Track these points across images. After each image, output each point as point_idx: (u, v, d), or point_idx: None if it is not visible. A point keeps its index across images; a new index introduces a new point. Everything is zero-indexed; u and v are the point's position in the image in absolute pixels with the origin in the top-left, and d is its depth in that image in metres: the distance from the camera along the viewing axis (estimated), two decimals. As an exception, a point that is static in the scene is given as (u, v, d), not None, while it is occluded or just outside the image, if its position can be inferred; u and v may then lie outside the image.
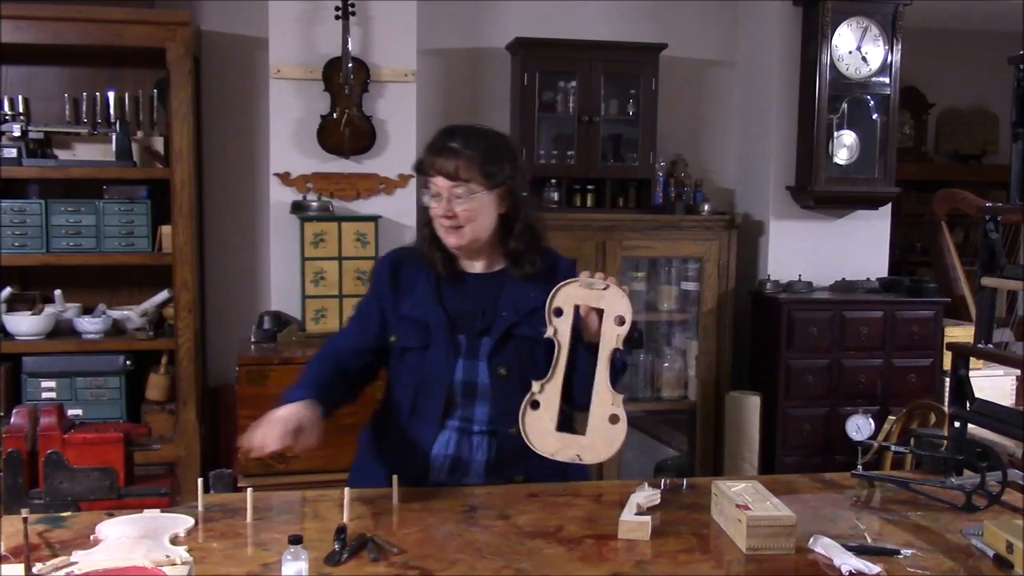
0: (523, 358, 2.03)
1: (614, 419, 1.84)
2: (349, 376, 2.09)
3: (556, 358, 1.86)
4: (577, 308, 1.86)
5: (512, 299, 2.06)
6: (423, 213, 2.11)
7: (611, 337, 1.84)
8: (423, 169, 2.03)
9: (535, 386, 1.86)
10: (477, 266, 2.11)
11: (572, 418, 2.00)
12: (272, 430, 1.83)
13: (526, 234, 2.08)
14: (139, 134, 3.77)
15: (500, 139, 2.10)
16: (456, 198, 1.99)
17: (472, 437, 2.04)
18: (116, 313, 3.73)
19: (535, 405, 1.86)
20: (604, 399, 1.84)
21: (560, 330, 1.85)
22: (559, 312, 1.86)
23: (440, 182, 1.99)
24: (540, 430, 1.86)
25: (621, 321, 1.83)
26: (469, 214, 2.00)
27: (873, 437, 2.55)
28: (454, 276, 2.09)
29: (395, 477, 1.93)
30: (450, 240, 2.03)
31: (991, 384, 3.85)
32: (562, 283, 1.87)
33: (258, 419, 1.88)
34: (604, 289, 1.84)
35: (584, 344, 1.91)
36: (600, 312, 1.85)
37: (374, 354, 2.12)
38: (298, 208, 3.70)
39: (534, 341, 2.01)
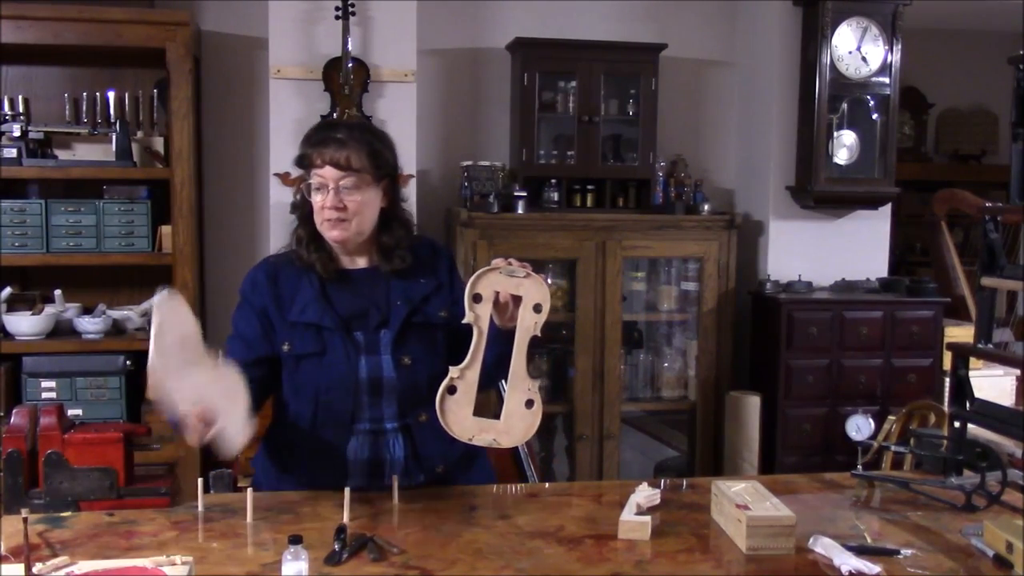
0: (425, 345, 2.03)
1: (530, 404, 1.84)
2: (259, 381, 1.95)
3: (475, 344, 1.84)
4: (497, 295, 1.85)
5: (403, 289, 2.04)
6: (297, 212, 2.07)
7: (529, 324, 1.84)
8: (307, 161, 1.98)
9: (453, 371, 1.84)
10: (360, 262, 2.08)
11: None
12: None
13: (401, 228, 2.07)
14: (139, 134, 3.77)
15: (381, 132, 2.11)
16: (345, 189, 1.96)
17: (386, 436, 2.00)
18: (116, 313, 3.73)
19: (452, 390, 1.84)
20: (521, 384, 1.84)
21: (480, 315, 1.84)
22: (478, 298, 1.85)
23: (328, 172, 1.95)
24: (457, 415, 1.84)
25: (539, 308, 1.84)
26: (357, 206, 1.97)
27: (873, 437, 2.55)
28: (337, 276, 2.05)
29: (395, 477, 1.93)
30: (334, 234, 1.99)
31: (991, 384, 3.85)
32: (482, 270, 1.86)
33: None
34: (524, 277, 1.85)
35: (500, 329, 1.88)
36: (518, 300, 1.85)
37: (263, 367, 2.01)
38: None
39: (433, 327, 2.02)
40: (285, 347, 2.01)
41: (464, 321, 1.84)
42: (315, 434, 2.00)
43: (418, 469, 2.01)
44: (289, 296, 2.03)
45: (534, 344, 1.85)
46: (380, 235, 2.06)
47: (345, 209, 1.96)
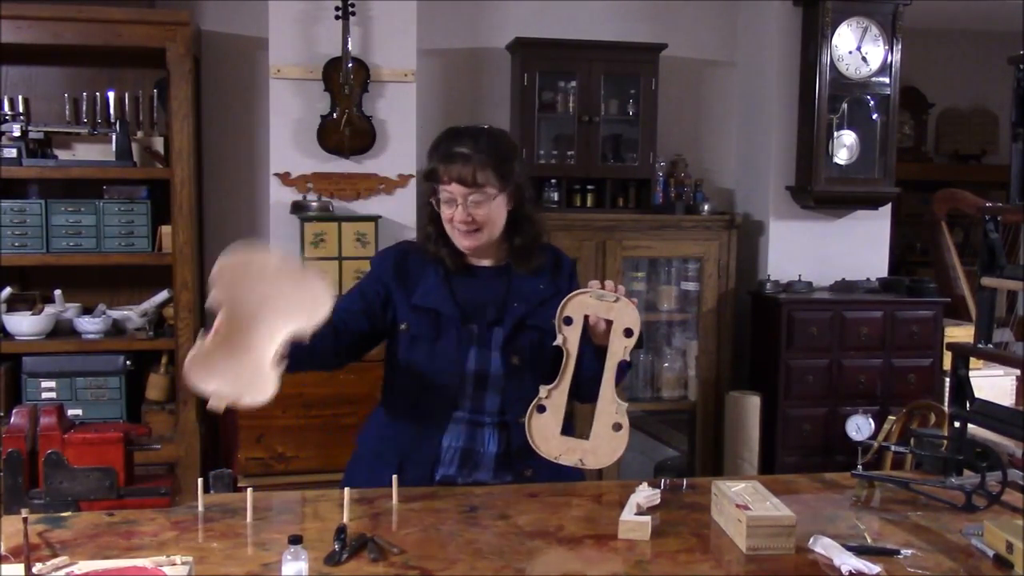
0: (534, 348, 2.06)
1: (617, 427, 1.87)
2: (339, 334, 2.01)
3: (564, 366, 1.88)
4: (587, 318, 1.88)
5: (522, 291, 2.09)
6: (425, 211, 2.11)
7: (618, 348, 1.87)
8: (435, 177, 2.03)
9: (543, 391, 1.88)
10: (485, 261, 2.13)
11: (572, 415, 2.01)
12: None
13: (531, 229, 2.11)
14: (139, 134, 3.77)
15: (504, 137, 2.12)
16: (473, 204, 1.99)
17: (484, 429, 2.06)
18: (116, 313, 3.73)
19: (541, 409, 1.88)
20: (608, 408, 1.87)
21: (569, 339, 1.88)
22: (569, 321, 1.88)
23: (456, 189, 1.99)
24: (544, 433, 1.88)
25: (629, 333, 1.88)
26: (486, 217, 2.01)
27: (873, 437, 2.55)
28: (463, 269, 2.11)
29: (395, 477, 1.93)
30: (465, 243, 2.04)
31: (991, 384, 3.85)
32: (574, 292, 1.89)
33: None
34: (615, 301, 1.88)
35: (592, 347, 1.92)
36: (609, 322, 1.88)
37: (368, 320, 2.08)
38: (298, 208, 3.70)
39: (544, 332, 2.04)
40: (403, 327, 2.08)
41: (554, 343, 1.88)
42: (416, 417, 2.06)
43: (507, 468, 2.07)
44: (415, 280, 2.09)
45: (621, 368, 1.90)
46: (511, 236, 2.10)
47: (475, 222, 2.01)
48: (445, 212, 2.03)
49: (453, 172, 1.98)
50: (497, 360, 2.05)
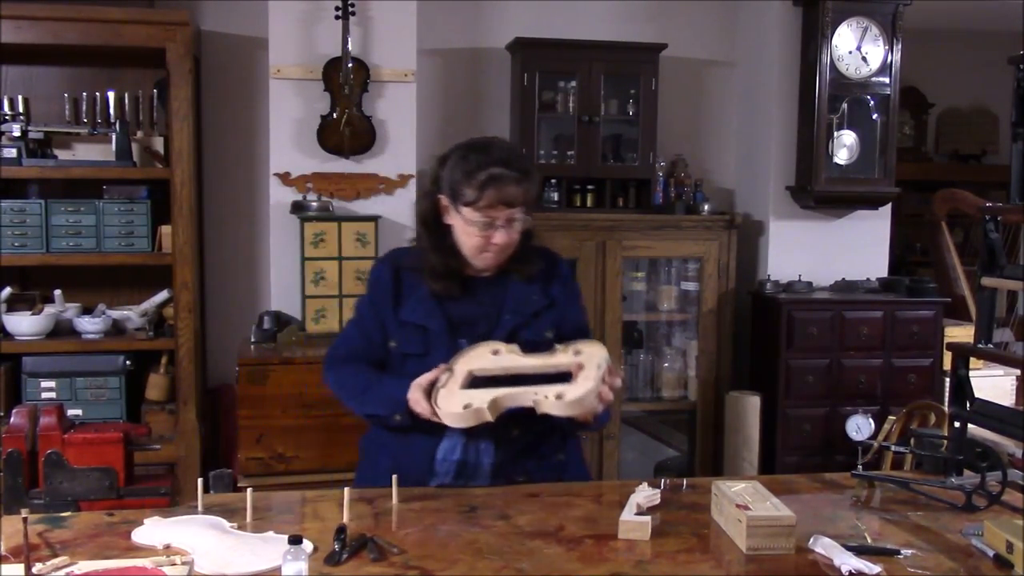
0: None
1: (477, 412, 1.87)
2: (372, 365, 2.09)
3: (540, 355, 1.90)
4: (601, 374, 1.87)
5: (516, 302, 2.05)
6: (427, 236, 2.04)
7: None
8: (470, 202, 1.93)
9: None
10: (485, 271, 2.08)
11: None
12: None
13: (530, 236, 2.08)
14: (139, 134, 3.77)
15: (522, 151, 2.09)
16: (513, 224, 1.95)
17: (479, 441, 2.03)
18: (116, 313, 3.73)
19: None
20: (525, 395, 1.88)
21: (566, 362, 1.89)
22: (580, 365, 1.88)
23: (499, 212, 1.92)
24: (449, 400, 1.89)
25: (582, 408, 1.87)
26: (517, 236, 1.98)
27: (873, 437, 2.56)
28: (460, 282, 2.06)
29: (395, 477, 1.93)
30: (489, 263, 2.00)
31: (991, 384, 3.85)
32: (604, 353, 1.91)
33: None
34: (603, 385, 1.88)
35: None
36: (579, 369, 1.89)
37: (378, 360, 2.10)
38: (298, 208, 3.70)
39: (536, 344, 2.01)
40: (392, 344, 2.06)
41: (555, 344, 1.92)
42: (409, 431, 2.02)
43: (502, 476, 2.05)
44: (406, 293, 2.06)
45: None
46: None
47: (510, 243, 1.97)
48: (474, 236, 1.95)
49: (500, 196, 1.91)
50: None
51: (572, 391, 1.85)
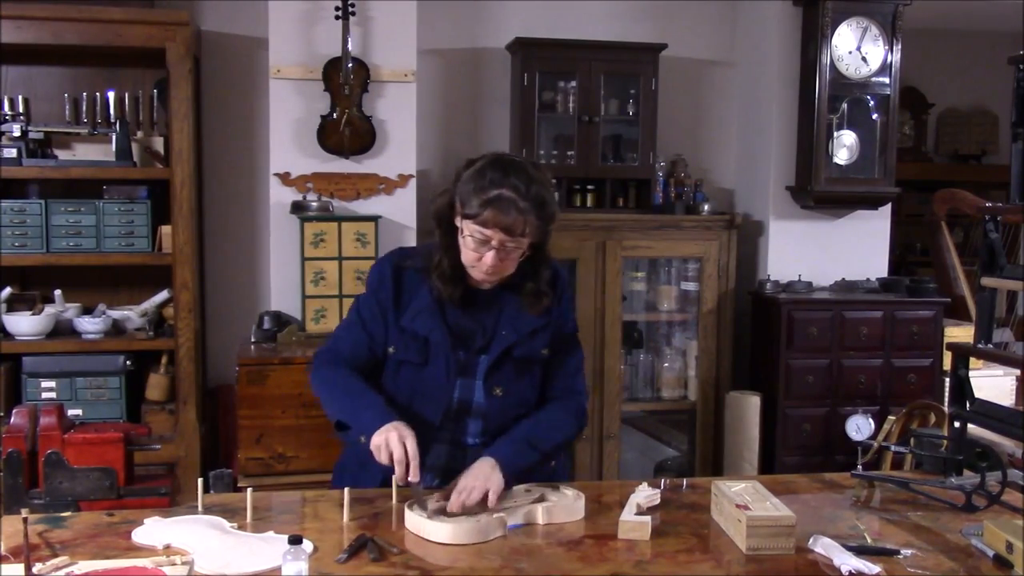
0: (519, 377, 2.02)
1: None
2: (360, 370, 2.04)
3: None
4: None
5: (513, 318, 2.01)
6: (438, 240, 1.99)
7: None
8: (473, 216, 1.88)
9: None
10: (486, 284, 2.02)
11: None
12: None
13: (546, 272, 2.02)
14: (139, 134, 3.77)
15: (548, 185, 1.96)
16: (507, 250, 1.90)
17: (466, 450, 2.02)
18: (116, 313, 3.73)
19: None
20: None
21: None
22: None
23: (495, 234, 1.87)
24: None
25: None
26: (513, 263, 1.94)
27: (873, 437, 2.55)
28: (464, 288, 2.02)
29: (394, 477, 1.93)
30: (479, 279, 1.96)
31: (991, 384, 3.85)
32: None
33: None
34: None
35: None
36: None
37: (379, 361, 2.06)
38: (298, 208, 3.70)
39: (530, 361, 2.01)
40: (391, 350, 2.02)
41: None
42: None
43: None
44: (407, 298, 2.01)
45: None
46: (525, 272, 2.00)
47: (503, 267, 1.93)
48: (472, 250, 1.91)
49: (498, 220, 1.85)
50: (480, 389, 2.01)
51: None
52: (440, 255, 1.98)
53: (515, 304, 2.02)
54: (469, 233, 1.90)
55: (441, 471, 2.02)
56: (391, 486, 1.90)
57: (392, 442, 1.79)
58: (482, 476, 1.84)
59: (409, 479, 1.79)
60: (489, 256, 1.90)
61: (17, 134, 3.52)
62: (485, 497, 1.81)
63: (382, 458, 1.80)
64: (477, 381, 2.01)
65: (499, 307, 2.03)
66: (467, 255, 1.94)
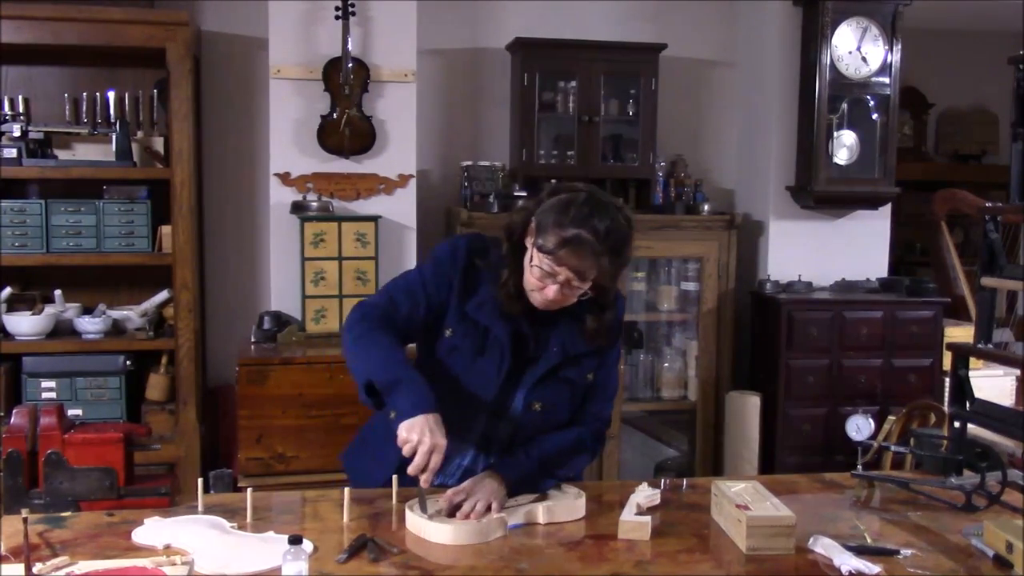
0: (560, 396, 2.00)
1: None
2: (396, 322, 1.96)
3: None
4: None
5: (565, 337, 1.98)
6: (507, 258, 1.95)
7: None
8: (549, 251, 1.84)
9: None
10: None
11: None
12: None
13: (611, 312, 2.00)
14: (139, 134, 3.77)
15: (630, 227, 1.94)
16: (571, 288, 1.88)
17: (490, 455, 2.00)
18: (116, 313, 3.73)
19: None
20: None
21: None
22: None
23: (562, 271, 1.85)
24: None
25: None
26: (574, 298, 1.91)
27: (873, 437, 2.55)
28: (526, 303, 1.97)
29: (395, 477, 1.93)
30: (536, 304, 1.93)
31: (991, 384, 3.85)
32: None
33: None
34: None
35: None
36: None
37: (425, 310, 1.97)
38: (298, 208, 3.70)
39: (574, 384, 2.00)
40: (447, 332, 1.97)
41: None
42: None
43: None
44: (473, 284, 1.97)
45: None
46: (587, 305, 1.96)
47: (562, 301, 1.90)
48: (537, 279, 1.88)
49: (571, 260, 1.83)
50: (520, 401, 1.98)
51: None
52: (508, 275, 1.95)
53: (572, 323, 1.99)
54: (538, 263, 1.87)
55: (464, 470, 2.00)
56: (393, 485, 1.90)
57: (421, 449, 1.75)
58: (487, 492, 1.83)
59: (421, 483, 1.78)
60: (552, 290, 1.88)
61: (17, 134, 3.52)
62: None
63: (405, 451, 1.77)
64: (519, 392, 1.98)
65: (555, 320, 1.99)
66: (530, 280, 1.91)
